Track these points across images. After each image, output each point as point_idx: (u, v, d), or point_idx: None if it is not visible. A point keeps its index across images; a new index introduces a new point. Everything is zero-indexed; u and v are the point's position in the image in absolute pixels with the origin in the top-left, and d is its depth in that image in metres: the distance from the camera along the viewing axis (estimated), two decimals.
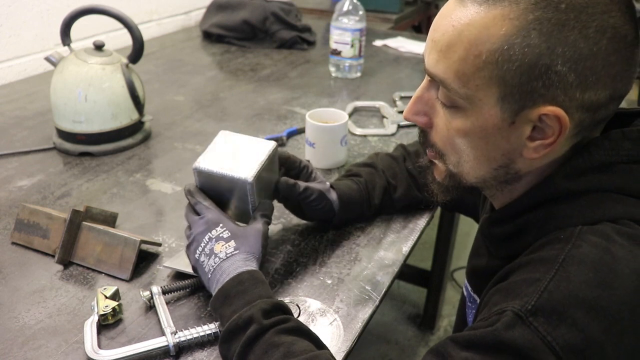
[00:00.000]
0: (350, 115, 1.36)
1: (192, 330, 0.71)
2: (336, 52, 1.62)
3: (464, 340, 0.53)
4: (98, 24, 1.60)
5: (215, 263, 0.72)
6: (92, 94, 1.14)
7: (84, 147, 1.16)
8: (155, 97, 1.47)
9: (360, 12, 1.60)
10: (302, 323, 0.66)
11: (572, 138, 0.59)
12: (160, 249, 0.89)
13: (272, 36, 1.94)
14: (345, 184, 0.92)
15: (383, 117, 1.37)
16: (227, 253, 0.72)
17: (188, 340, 0.70)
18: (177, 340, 0.70)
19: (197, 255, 0.74)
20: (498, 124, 0.58)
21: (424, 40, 2.03)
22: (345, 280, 0.83)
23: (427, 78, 0.63)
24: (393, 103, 1.45)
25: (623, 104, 0.62)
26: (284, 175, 0.86)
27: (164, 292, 0.78)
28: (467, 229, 2.32)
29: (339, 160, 1.14)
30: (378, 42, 1.98)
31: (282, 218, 0.97)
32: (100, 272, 0.83)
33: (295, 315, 0.75)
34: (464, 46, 0.56)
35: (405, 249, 0.91)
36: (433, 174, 0.69)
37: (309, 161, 0.89)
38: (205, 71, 1.70)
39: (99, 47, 1.18)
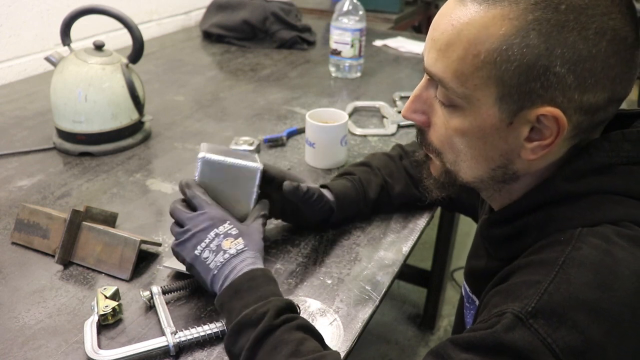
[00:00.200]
0: (350, 115, 1.36)
1: (192, 330, 0.71)
2: (336, 52, 1.62)
3: (463, 342, 0.53)
4: (98, 24, 1.60)
5: (224, 259, 0.71)
6: (92, 94, 1.14)
7: (84, 147, 1.16)
8: (155, 97, 1.47)
9: (360, 12, 1.60)
10: (310, 323, 0.66)
11: (570, 140, 0.59)
12: (160, 249, 0.89)
13: (272, 36, 1.94)
14: (339, 182, 0.93)
15: (383, 117, 1.37)
16: (238, 250, 0.72)
17: (188, 340, 0.70)
18: (177, 340, 0.70)
19: (197, 252, 0.73)
20: (496, 124, 0.57)
21: (424, 40, 2.02)
22: (345, 280, 0.83)
23: (426, 77, 0.63)
24: (393, 103, 1.46)
25: (623, 105, 0.62)
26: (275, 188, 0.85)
27: (164, 292, 0.78)
28: (467, 229, 2.32)
29: (339, 160, 1.14)
30: (378, 42, 1.98)
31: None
32: (100, 272, 0.83)
33: None
34: (463, 45, 0.56)
35: (405, 249, 0.91)
36: (429, 170, 0.69)
37: (289, 169, 0.88)
38: (205, 71, 1.70)
39: (99, 47, 1.18)
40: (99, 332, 0.72)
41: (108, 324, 0.74)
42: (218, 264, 0.71)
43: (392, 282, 0.84)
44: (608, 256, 0.52)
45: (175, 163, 1.15)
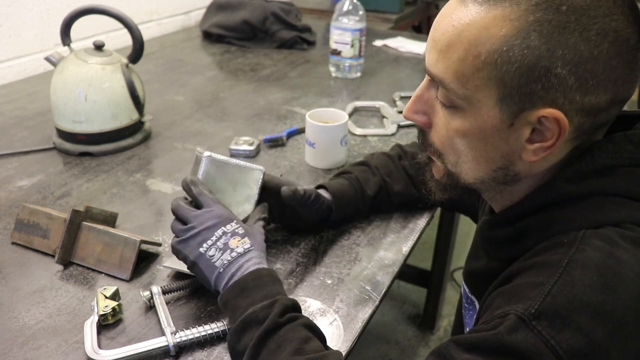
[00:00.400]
0: (350, 115, 1.36)
1: (193, 330, 0.71)
2: (336, 52, 1.62)
3: (466, 343, 0.53)
4: (98, 24, 1.60)
5: (231, 258, 0.71)
6: (92, 94, 1.14)
7: (84, 147, 1.16)
8: (155, 97, 1.47)
9: (360, 12, 1.60)
10: (314, 322, 0.66)
11: (572, 141, 0.59)
12: (160, 249, 0.89)
13: (272, 36, 1.94)
14: (337, 181, 0.93)
15: (383, 117, 1.37)
16: (245, 249, 0.72)
17: (188, 340, 0.70)
18: (177, 340, 0.70)
19: (203, 250, 0.72)
20: (497, 125, 0.57)
21: (424, 40, 2.03)
22: (345, 280, 0.83)
23: (427, 77, 0.63)
24: (393, 103, 1.45)
25: (625, 107, 0.62)
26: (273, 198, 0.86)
27: (164, 292, 0.78)
28: (467, 229, 2.32)
29: (339, 160, 1.14)
30: (378, 42, 1.98)
31: None
32: (100, 272, 0.83)
33: None
34: (464, 46, 0.56)
35: (405, 249, 0.91)
36: (431, 172, 0.69)
37: (282, 174, 0.89)
38: (205, 71, 1.70)
39: (99, 47, 1.18)
40: (99, 332, 0.72)
41: (108, 324, 0.74)
42: (225, 262, 0.71)
43: (392, 282, 0.84)
44: (612, 258, 0.52)
45: (175, 163, 1.15)
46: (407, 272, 2.09)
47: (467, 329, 0.80)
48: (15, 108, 1.39)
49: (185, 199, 0.79)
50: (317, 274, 0.84)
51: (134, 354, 0.68)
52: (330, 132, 1.10)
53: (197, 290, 0.80)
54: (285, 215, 0.89)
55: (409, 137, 1.27)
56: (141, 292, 0.77)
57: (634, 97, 0.64)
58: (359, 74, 1.66)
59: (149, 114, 1.26)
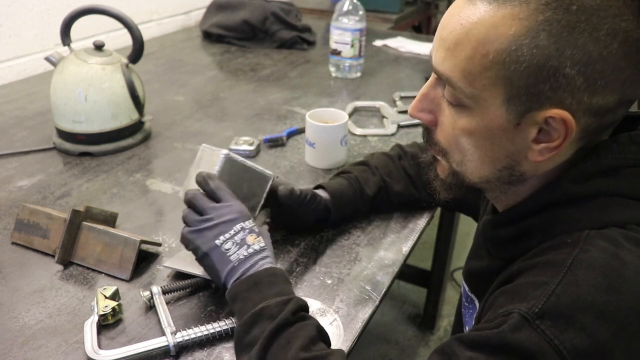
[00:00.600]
0: (350, 115, 1.36)
1: (196, 330, 0.71)
2: (336, 52, 1.62)
3: (469, 341, 0.53)
4: (98, 24, 1.60)
5: (248, 253, 0.72)
6: (92, 94, 1.14)
7: (84, 147, 1.16)
8: (155, 97, 1.47)
9: (360, 12, 1.60)
10: (322, 326, 0.67)
11: (578, 142, 0.59)
12: (160, 249, 0.89)
13: (272, 36, 1.94)
14: (336, 181, 0.93)
15: (383, 117, 1.37)
16: (261, 246, 0.73)
17: (189, 339, 0.70)
18: (178, 340, 0.70)
19: (218, 242, 0.72)
20: (503, 125, 0.57)
21: (424, 40, 2.03)
22: (345, 280, 0.83)
23: (433, 75, 0.63)
24: (393, 103, 1.45)
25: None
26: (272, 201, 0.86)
27: (164, 292, 0.78)
28: (467, 229, 2.32)
29: (339, 160, 1.14)
30: (378, 42, 1.98)
31: None
32: (100, 272, 0.83)
33: None
34: (472, 45, 0.55)
35: (405, 249, 0.91)
36: (436, 171, 0.69)
37: (277, 176, 0.89)
38: (205, 71, 1.70)
39: (99, 47, 1.18)
40: (98, 332, 0.72)
41: (108, 324, 0.74)
42: (241, 257, 0.71)
43: (392, 282, 0.84)
44: (616, 259, 0.52)
45: (175, 163, 1.15)
46: (407, 272, 2.09)
47: (467, 328, 0.81)
48: (15, 108, 1.39)
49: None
50: (317, 274, 0.84)
51: (134, 354, 0.68)
52: (330, 132, 1.10)
53: (197, 290, 0.80)
54: (284, 216, 0.89)
55: (409, 137, 1.27)
56: (141, 292, 0.77)
57: None
58: (359, 74, 1.66)
59: (149, 114, 1.26)
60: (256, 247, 0.73)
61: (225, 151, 0.79)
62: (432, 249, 1.98)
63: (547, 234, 0.59)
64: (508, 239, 0.65)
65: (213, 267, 0.73)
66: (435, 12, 3.11)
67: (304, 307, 0.68)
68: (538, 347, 0.49)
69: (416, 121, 1.32)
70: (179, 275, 0.82)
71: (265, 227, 0.81)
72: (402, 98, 1.48)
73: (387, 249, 0.90)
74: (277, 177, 0.86)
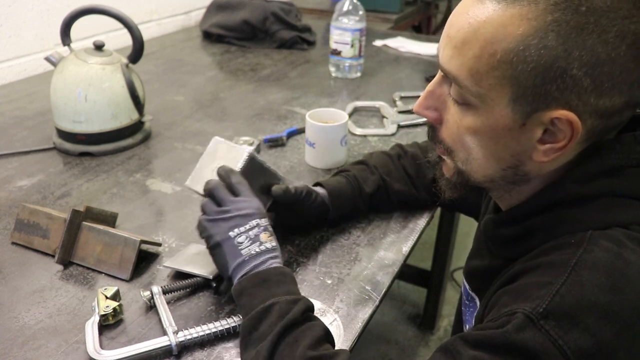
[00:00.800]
0: (350, 115, 1.36)
1: (197, 329, 0.71)
2: (336, 52, 1.62)
3: (473, 339, 0.53)
4: (98, 24, 1.60)
5: (260, 250, 0.72)
6: (92, 94, 1.14)
7: (84, 147, 1.16)
8: (155, 97, 1.47)
9: (360, 12, 1.60)
10: (328, 328, 0.68)
11: (583, 143, 0.59)
12: (160, 249, 0.89)
13: (272, 36, 1.94)
14: (334, 179, 0.94)
15: (383, 117, 1.37)
16: (273, 246, 0.73)
17: (191, 339, 0.70)
18: (180, 339, 0.70)
19: (232, 234, 0.72)
20: (509, 124, 0.57)
21: (424, 40, 2.03)
22: (345, 280, 0.83)
23: (440, 73, 0.63)
24: (393, 103, 1.45)
25: None
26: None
27: (164, 292, 0.78)
28: (467, 229, 2.32)
29: (339, 160, 1.14)
30: (378, 42, 1.98)
31: None
32: (100, 272, 0.83)
33: None
34: (480, 44, 0.55)
35: (405, 249, 0.91)
36: (441, 171, 0.69)
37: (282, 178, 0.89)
38: (205, 71, 1.70)
39: (99, 47, 1.18)
40: (99, 333, 0.72)
41: (108, 324, 0.74)
42: (253, 253, 0.71)
43: (392, 282, 0.84)
44: (620, 259, 0.52)
45: (175, 163, 1.15)
46: (407, 272, 2.09)
47: (467, 326, 0.81)
48: (15, 108, 1.39)
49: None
50: (317, 274, 0.84)
51: (135, 354, 0.68)
52: (330, 132, 1.10)
53: (197, 290, 0.80)
54: (281, 215, 0.89)
55: (409, 137, 1.27)
56: (142, 292, 0.77)
57: None
58: (359, 74, 1.66)
59: (149, 114, 1.26)
60: (268, 245, 0.73)
61: (249, 149, 0.81)
62: (432, 249, 1.98)
63: (550, 234, 0.59)
64: (510, 239, 0.65)
65: (223, 258, 0.73)
66: (435, 12, 3.11)
67: (311, 309, 0.68)
68: (542, 347, 0.49)
69: (416, 121, 1.32)
70: (179, 275, 0.82)
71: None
72: (402, 98, 1.48)
73: (387, 249, 0.90)
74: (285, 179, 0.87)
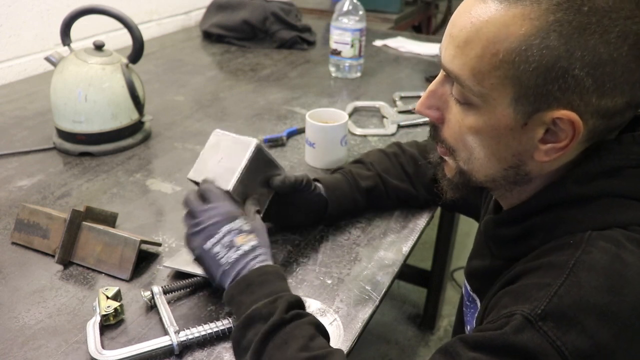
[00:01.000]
0: (350, 115, 1.36)
1: (199, 328, 0.71)
2: (336, 52, 1.62)
3: (472, 341, 0.53)
4: (98, 24, 1.60)
5: (237, 255, 0.71)
6: (92, 94, 1.14)
7: (84, 147, 1.16)
8: (155, 97, 1.47)
9: (360, 12, 1.60)
10: (318, 320, 0.66)
11: (584, 143, 0.59)
12: (160, 249, 0.89)
13: (272, 36, 1.94)
14: (330, 176, 0.94)
15: (383, 117, 1.37)
16: (251, 246, 0.72)
17: (193, 338, 0.70)
18: (182, 339, 0.70)
19: (207, 246, 0.72)
20: (510, 124, 0.57)
21: (424, 40, 2.03)
22: (345, 280, 0.83)
23: (442, 73, 0.63)
24: (393, 103, 1.45)
25: None
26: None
27: (165, 292, 0.78)
28: (467, 229, 2.32)
29: (339, 160, 1.14)
30: (378, 42, 1.98)
31: None
32: (100, 272, 0.83)
33: None
34: (482, 44, 0.55)
35: (405, 249, 0.91)
36: (443, 171, 0.69)
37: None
38: (205, 71, 1.70)
39: (99, 47, 1.18)
40: (100, 333, 0.72)
41: (109, 324, 0.74)
42: (231, 260, 0.71)
43: (392, 282, 0.84)
44: (618, 260, 0.52)
45: (175, 163, 1.15)
46: (407, 272, 2.09)
47: (468, 327, 0.81)
48: (15, 108, 1.39)
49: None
50: (317, 274, 0.84)
51: (137, 354, 0.68)
52: (330, 132, 1.10)
53: (197, 290, 0.80)
54: (281, 209, 0.89)
55: (409, 137, 1.27)
56: (142, 292, 0.77)
57: None
58: (359, 74, 1.66)
59: (149, 114, 1.26)
60: (246, 247, 0.72)
61: (256, 140, 0.80)
62: (432, 249, 1.98)
63: (549, 234, 0.59)
64: (510, 239, 0.65)
65: (208, 269, 0.73)
66: (435, 12, 3.11)
67: (296, 303, 0.67)
68: (540, 348, 0.49)
69: (416, 121, 1.32)
70: (179, 275, 0.82)
71: (258, 218, 0.78)
72: (402, 98, 1.48)
73: (387, 249, 0.90)
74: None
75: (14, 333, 0.72)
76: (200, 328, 0.71)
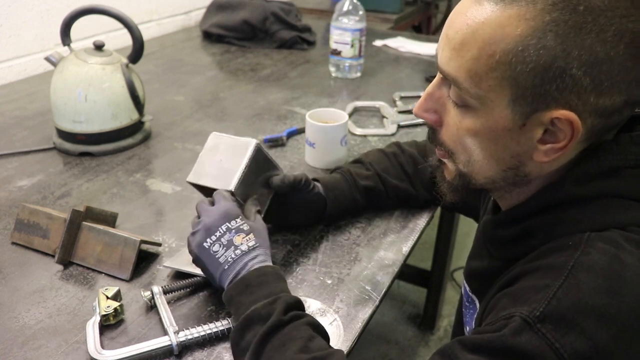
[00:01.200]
0: (350, 115, 1.36)
1: (198, 329, 0.71)
2: (336, 52, 1.62)
3: (471, 343, 0.53)
4: (98, 24, 1.60)
5: (236, 255, 0.71)
6: (92, 94, 1.14)
7: (84, 147, 1.16)
8: (155, 97, 1.47)
9: (360, 12, 1.60)
10: (317, 320, 0.66)
11: (583, 142, 0.59)
12: (160, 249, 0.89)
13: (272, 36, 1.94)
14: (329, 175, 0.95)
15: (383, 117, 1.37)
16: (249, 246, 0.72)
17: (192, 338, 0.70)
18: (181, 339, 0.70)
19: (207, 244, 0.72)
20: (508, 125, 0.57)
21: (424, 40, 2.03)
22: (345, 280, 0.83)
23: (439, 75, 0.62)
24: (393, 103, 1.45)
25: None
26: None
27: (165, 292, 0.78)
28: (467, 229, 2.32)
29: (339, 160, 1.14)
30: (378, 42, 1.98)
31: None
32: (100, 272, 0.83)
33: None
34: (478, 45, 0.55)
35: (405, 249, 0.91)
36: (442, 174, 0.69)
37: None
38: (205, 71, 1.70)
39: (99, 47, 1.18)
40: (100, 333, 0.72)
41: (109, 324, 0.74)
42: (229, 260, 0.71)
43: (392, 282, 0.84)
44: (616, 261, 0.52)
45: (175, 163, 1.15)
46: (407, 272, 2.09)
47: (467, 328, 0.81)
48: (15, 108, 1.39)
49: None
50: (317, 274, 0.84)
51: (136, 354, 0.68)
52: (330, 132, 1.10)
53: (197, 290, 0.80)
54: (280, 209, 0.89)
55: (409, 137, 1.27)
56: (142, 292, 0.77)
57: None
58: (359, 74, 1.66)
59: (149, 114, 1.26)
60: (244, 247, 0.72)
61: (255, 140, 0.81)
62: (432, 249, 1.98)
63: (548, 235, 0.59)
64: (509, 239, 0.65)
65: (206, 269, 0.73)
66: (435, 12, 3.11)
67: (295, 305, 0.67)
68: (539, 350, 0.49)
69: (416, 121, 1.32)
70: (179, 275, 0.82)
71: (259, 218, 0.79)
72: (402, 98, 1.48)
73: (387, 249, 0.90)
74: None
75: (14, 333, 0.72)
76: (199, 328, 0.71)
